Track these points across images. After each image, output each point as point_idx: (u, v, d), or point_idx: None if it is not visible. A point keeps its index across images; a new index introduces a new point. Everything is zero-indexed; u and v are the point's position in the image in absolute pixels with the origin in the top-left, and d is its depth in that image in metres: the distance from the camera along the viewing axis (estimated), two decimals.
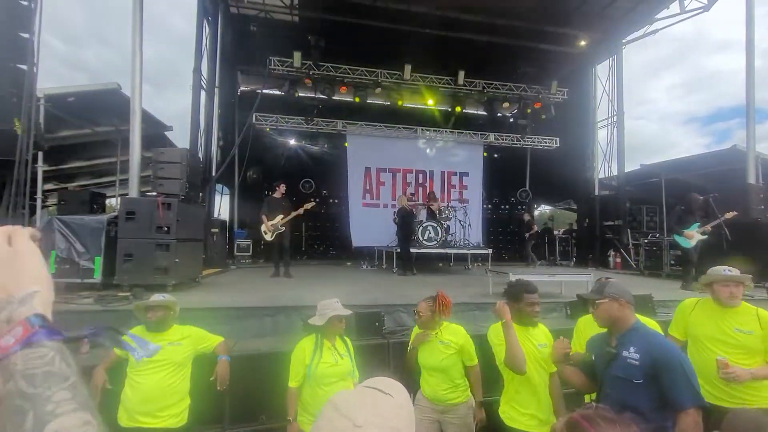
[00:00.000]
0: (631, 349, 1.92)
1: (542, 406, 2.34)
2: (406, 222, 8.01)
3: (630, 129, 11.02)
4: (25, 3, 4.11)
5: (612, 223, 10.43)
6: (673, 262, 7.95)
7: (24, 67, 4.15)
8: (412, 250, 7.98)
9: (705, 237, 5.94)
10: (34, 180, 5.31)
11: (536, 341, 2.42)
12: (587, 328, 2.52)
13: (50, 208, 10.42)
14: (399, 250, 8.24)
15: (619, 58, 10.59)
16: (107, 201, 10.69)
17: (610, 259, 10.14)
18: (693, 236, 5.90)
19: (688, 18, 9.26)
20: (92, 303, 4.05)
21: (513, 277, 4.78)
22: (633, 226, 10.26)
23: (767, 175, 8.66)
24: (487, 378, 2.72)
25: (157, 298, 2.62)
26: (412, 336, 2.86)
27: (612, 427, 0.83)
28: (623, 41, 10.53)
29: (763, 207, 6.86)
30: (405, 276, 7.52)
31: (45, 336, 0.48)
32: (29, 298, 0.52)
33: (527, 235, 10.89)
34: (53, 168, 9.48)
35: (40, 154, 5.30)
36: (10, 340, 0.47)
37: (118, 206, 5.41)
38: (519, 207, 14.15)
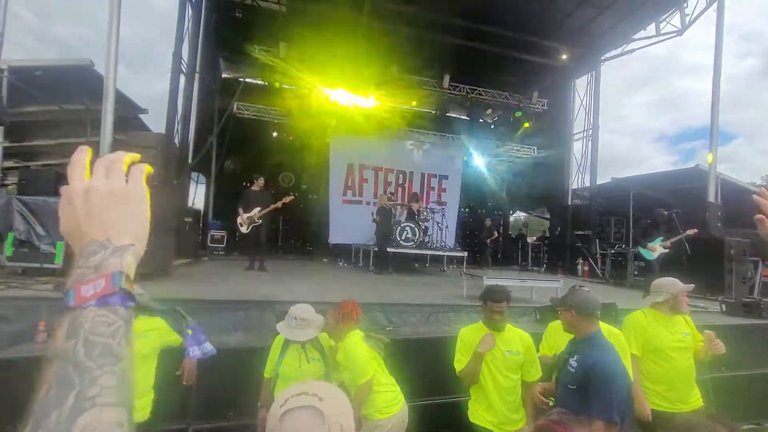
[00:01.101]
0: (575, 357, 2.04)
1: (504, 408, 2.36)
2: (385, 221, 8.03)
3: (604, 142, 11.48)
4: None
5: (582, 232, 10.82)
6: (636, 272, 8.34)
7: None
8: (389, 249, 8.01)
9: (667, 250, 6.27)
10: None
11: (505, 347, 2.40)
12: (556, 333, 2.63)
13: (9, 187, 9.80)
14: (376, 249, 8.25)
15: (597, 74, 10.99)
16: None
17: (579, 267, 10.53)
18: (656, 249, 6.22)
19: (663, 41, 9.72)
20: (51, 290, 3.84)
21: (487, 281, 4.89)
22: (601, 237, 10.69)
23: (726, 195, 9.21)
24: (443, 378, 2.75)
25: None
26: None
27: (580, 427, 0.86)
28: (602, 58, 10.94)
29: (720, 225, 7.30)
30: (381, 275, 7.54)
31: (121, 300, 0.45)
32: (123, 250, 0.49)
33: (488, 240, 11.16)
34: (15, 144, 8.92)
35: (1, 129, 4.97)
36: (89, 290, 0.45)
37: None
38: (495, 212, 14.47)
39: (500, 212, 14.43)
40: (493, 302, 2.40)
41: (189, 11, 8.49)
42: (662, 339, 2.56)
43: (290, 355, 2.51)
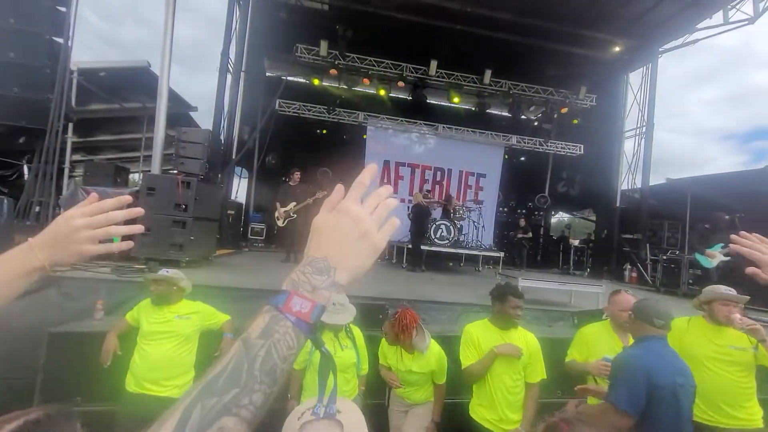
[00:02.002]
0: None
1: (505, 407, 2.39)
2: (419, 218, 7.98)
3: (661, 141, 10.69)
4: None
5: (631, 236, 10.16)
6: (691, 281, 7.70)
7: (60, 40, 4.28)
8: (423, 247, 7.97)
9: (728, 258, 5.73)
10: (63, 150, 5.51)
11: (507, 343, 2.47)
12: (592, 339, 2.52)
13: (77, 178, 10.80)
14: (410, 246, 8.23)
15: (654, 67, 10.23)
16: (131, 175, 11.01)
17: (626, 272, 9.90)
18: (715, 256, 5.70)
19: (732, 30, 8.86)
20: (109, 272, 4.20)
21: (522, 282, 4.74)
22: (653, 241, 9.97)
23: None
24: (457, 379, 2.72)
25: (161, 272, 2.70)
26: (381, 351, 2.83)
27: (587, 428, 0.84)
28: (660, 49, 10.16)
29: None
30: (414, 272, 7.51)
31: (306, 331, 0.49)
32: (336, 288, 0.53)
33: (518, 237, 10.74)
34: (82, 140, 9.80)
35: (70, 125, 5.48)
36: (296, 306, 0.49)
37: (141, 181, 5.56)
38: (536, 213, 13.93)
39: (541, 213, 13.87)
40: (515, 297, 2.46)
41: (237, 12, 8.90)
42: (698, 348, 2.42)
43: (326, 344, 2.59)
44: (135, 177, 11.23)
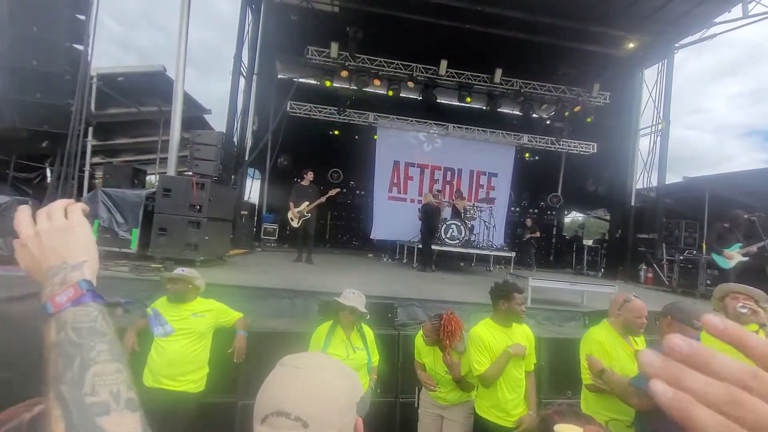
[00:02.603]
0: None
1: (511, 400, 2.48)
2: (430, 218, 7.99)
3: (679, 138, 10.53)
4: None
5: (646, 236, 9.96)
6: (709, 282, 7.52)
7: (80, 47, 4.44)
8: (433, 247, 7.97)
9: (746, 259, 5.59)
10: (83, 153, 5.70)
11: (516, 341, 2.53)
12: (611, 348, 2.39)
13: (97, 180, 11.12)
14: (420, 246, 8.25)
15: (670, 63, 10.01)
16: (148, 177, 11.28)
17: (641, 273, 9.71)
18: (733, 257, 5.57)
19: (751, 23, 8.61)
20: (127, 271, 4.33)
21: (533, 282, 4.71)
22: (669, 241, 9.75)
23: None
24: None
25: (177, 271, 2.78)
26: (416, 348, 2.88)
27: (575, 417, 0.86)
28: (676, 45, 9.94)
29: None
30: (424, 272, 7.53)
31: (90, 298, 0.56)
32: (80, 265, 0.60)
33: (527, 237, 10.64)
34: (101, 143, 10.09)
35: (90, 129, 5.67)
36: (63, 298, 0.56)
37: (157, 183, 5.72)
38: (549, 212, 13.78)
39: (553, 212, 13.71)
40: (519, 294, 2.56)
41: (249, 16, 9.05)
42: (717, 347, 2.36)
43: (336, 345, 2.63)
44: (152, 179, 11.51)
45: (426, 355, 2.78)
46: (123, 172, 6.46)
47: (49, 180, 5.41)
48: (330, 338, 2.65)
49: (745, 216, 5.67)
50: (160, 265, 4.67)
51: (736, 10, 8.65)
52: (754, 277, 5.78)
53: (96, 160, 11.25)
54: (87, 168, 6.01)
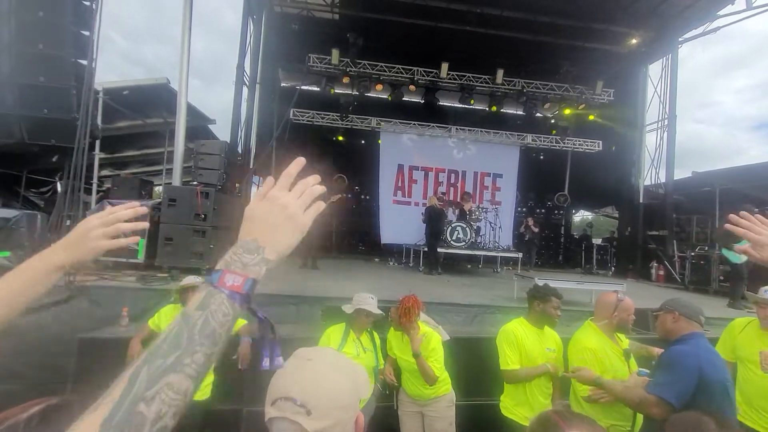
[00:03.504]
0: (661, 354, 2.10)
1: (540, 403, 2.46)
2: (434, 221, 7.97)
3: (688, 133, 10.43)
4: (87, 3, 4.51)
5: (656, 233, 9.82)
6: (722, 278, 7.37)
7: (84, 62, 4.54)
8: (439, 249, 7.94)
9: None
10: (91, 166, 5.81)
11: (545, 345, 2.53)
12: (602, 352, 2.32)
13: (106, 191, 11.29)
14: (426, 249, 8.22)
15: (674, 58, 9.91)
16: (155, 188, 11.44)
17: (653, 270, 9.56)
18: (745, 251, 5.45)
19: (755, 15, 8.50)
20: (134, 281, 4.39)
21: (539, 282, 4.66)
22: (681, 238, 9.61)
23: None
24: (483, 380, 2.69)
25: (189, 279, 2.81)
26: (387, 342, 2.86)
27: (580, 422, 0.84)
28: (680, 39, 9.83)
29: None
30: (430, 275, 7.49)
31: (241, 301, 0.55)
32: (266, 264, 0.60)
33: (527, 236, 10.52)
34: (109, 156, 10.27)
35: (97, 143, 5.77)
36: (229, 281, 0.56)
37: (162, 193, 5.80)
38: (556, 212, 13.65)
39: (561, 212, 13.58)
40: (557, 298, 2.56)
41: (251, 26, 9.18)
42: (746, 349, 2.35)
43: (350, 346, 2.69)
44: (159, 189, 11.67)
45: (395, 345, 2.79)
46: (130, 184, 6.56)
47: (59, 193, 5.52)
48: (344, 342, 2.70)
49: (756, 209, 5.55)
50: (166, 275, 4.72)
51: (740, 2, 8.55)
52: (765, 271, 5.65)
53: (105, 172, 11.46)
54: (94, 180, 6.11)
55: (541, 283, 4.61)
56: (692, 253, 8.46)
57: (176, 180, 6.14)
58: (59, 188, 5.58)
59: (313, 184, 0.69)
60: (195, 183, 5.69)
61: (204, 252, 5.15)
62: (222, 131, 10.28)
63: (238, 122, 8.76)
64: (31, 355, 2.83)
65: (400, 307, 2.66)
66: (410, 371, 2.70)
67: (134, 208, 0.88)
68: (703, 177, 10.08)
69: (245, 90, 9.06)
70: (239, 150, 8.60)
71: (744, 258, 5.46)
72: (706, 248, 8.57)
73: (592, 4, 8.81)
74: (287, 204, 0.64)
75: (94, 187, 6.34)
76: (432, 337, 2.66)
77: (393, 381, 2.75)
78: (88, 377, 3.01)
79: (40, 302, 3.80)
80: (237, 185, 7.30)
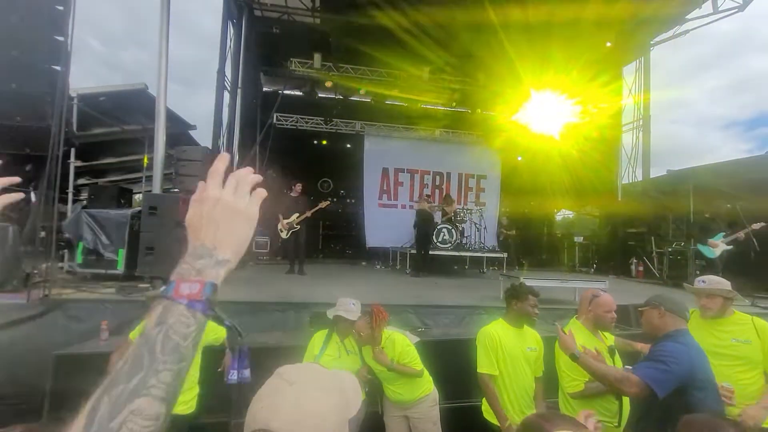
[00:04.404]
0: (649, 350, 2.06)
1: (521, 403, 2.45)
2: (425, 224, 8.02)
3: (663, 133, 10.66)
4: (61, 8, 4.38)
5: (635, 230, 10.10)
6: (698, 272, 7.61)
7: (59, 68, 4.41)
8: (423, 251, 7.98)
9: (730, 247, 5.69)
10: (66, 175, 5.63)
11: (526, 344, 2.53)
12: (576, 337, 2.34)
13: (82, 201, 10.96)
14: (414, 251, 8.25)
15: (647, 60, 10.25)
16: (135, 196, 11.16)
17: (633, 267, 9.82)
18: (718, 246, 5.67)
19: (722, 18, 8.87)
20: (114, 293, 4.26)
21: (521, 281, 4.73)
22: (658, 234, 9.89)
23: None
24: (471, 382, 2.69)
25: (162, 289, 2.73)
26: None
27: (563, 422, 0.84)
28: (651, 42, 10.18)
29: None
30: (417, 277, 7.52)
31: (203, 308, 0.52)
32: (223, 264, 0.57)
33: (502, 236, 10.73)
34: (86, 164, 9.97)
35: (72, 151, 5.60)
36: (185, 290, 0.52)
37: (142, 201, 5.66)
38: (539, 211, 13.90)
39: (543, 211, 13.83)
40: (533, 296, 2.55)
41: (231, 31, 9.07)
42: (701, 341, 2.31)
43: (331, 348, 2.69)
44: (139, 197, 11.38)
45: (367, 357, 2.74)
46: (109, 192, 6.37)
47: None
48: (326, 346, 2.70)
49: (728, 206, 5.78)
50: (148, 285, 4.60)
51: (707, 6, 8.91)
52: (740, 264, 5.89)
53: (82, 181, 11.11)
54: (70, 190, 5.92)
55: (525, 282, 4.69)
56: (669, 249, 8.73)
57: (156, 188, 6.00)
58: (33, 198, 5.39)
59: (247, 174, 0.65)
60: (176, 190, 5.58)
61: None
62: (203, 137, 10.12)
63: (220, 128, 8.63)
64: (2, 374, 2.71)
65: (372, 319, 2.64)
66: (386, 379, 2.70)
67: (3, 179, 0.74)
68: (678, 175, 10.40)
69: (227, 95, 8.94)
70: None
71: (717, 252, 5.68)
72: (683, 244, 8.86)
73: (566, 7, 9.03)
74: (224, 199, 0.60)
75: (70, 197, 6.15)
76: (396, 339, 2.66)
77: (368, 377, 2.71)
78: (66, 396, 2.90)
79: (12, 318, 3.66)
80: None
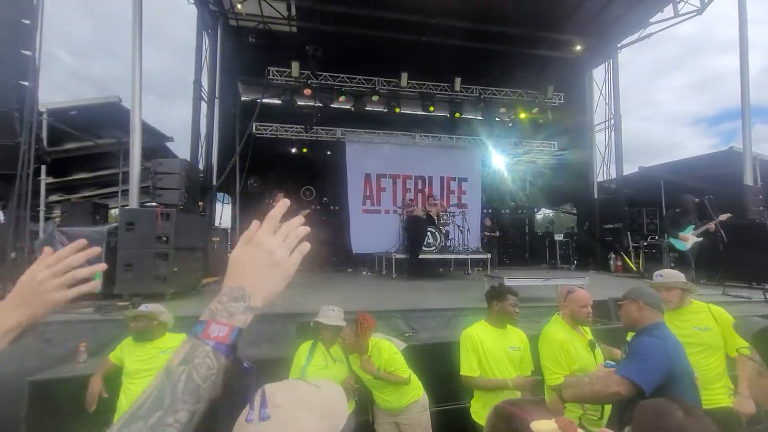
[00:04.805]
0: (628, 344, 2.08)
1: None
2: (419, 228, 8.10)
3: (634, 131, 11.14)
4: (27, 22, 4.26)
5: (612, 226, 10.42)
6: (672, 264, 7.91)
7: (27, 83, 4.28)
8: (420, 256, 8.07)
9: (701, 239, 5.94)
10: (37, 192, 5.43)
11: (509, 344, 2.55)
12: (568, 344, 2.43)
13: (55, 219, 10.58)
14: (403, 256, 8.33)
15: (615, 62, 10.65)
16: (111, 211, 10.85)
17: (611, 262, 10.12)
18: (688, 239, 5.91)
19: (682, 21, 9.32)
20: (92, 312, 4.13)
21: (507, 282, 4.82)
22: (633, 229, 10.24)
23: (766, 176, 8.64)
24: (457, 384, 2.72)
25: (141, 308, 2.68)
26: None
27: (536, 408, 0.86)
28: (618, 45, 10.60)
29: (761, 208, 6.85)
30: (408, 281, 7.57)
31: (226, 352, 0.54)
32: (252, 312, 0.59)
33: (486, 237, 10.93)
34: (58, 180, 9.65)
35: (43, 168, 5.42)
36: (215, 331, 0.54)
37: (119, 217, 5.51)
38: (520, 211, 14.19)
39: (524, 210, 14.13)
40: (513, 295, 2.60)
41: (206, 41, 8.98)
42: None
43: (317, 358, 2.68)
44: (115, 212, 11.06)
45: (355, 366, 2.76)
46: (83, 209, 6.22)
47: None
48: (312, 355, 2.68)
49: (696, 200, 6.05)
50: (127, 303, 4.47)
51: (668, 10, 9.35)
52: (710, 255, 6.16)
53: (54, 198, 10.74)
54: (41, 208, 5.72)
55: (507, 282, 4.78)
56: (645, 243, 9.05)
57: (133, 202, 5.87)
58: (2, 218, 5.18)
59: (297, 226, 0.68)
60: (154, 204, 5.46)
61: (167, 276, 4.94)
62: (181, 148, 9.93)
63: (198, 139, 8.50)
64: None
65: (358, 326, 2.66)
66: (374, 387, 2.72)
67: (84, 251, 0.80)
68: (649, 171, 10.83)
69: (204, 105, 8.82)
70: (200, 167, 8.34)
71: (688, 245, 5.92)
72: (657, 238, 9.19)
73: (538, 13, 9.34)
74: (273, 249, 0.63)
75: (42, 215, 5.94)
76: (382, 347, 2.67)
77: (355, 386, 2.72)
78: (43, 423, 2.79)
79: None
80: (200, 204, 7.06)
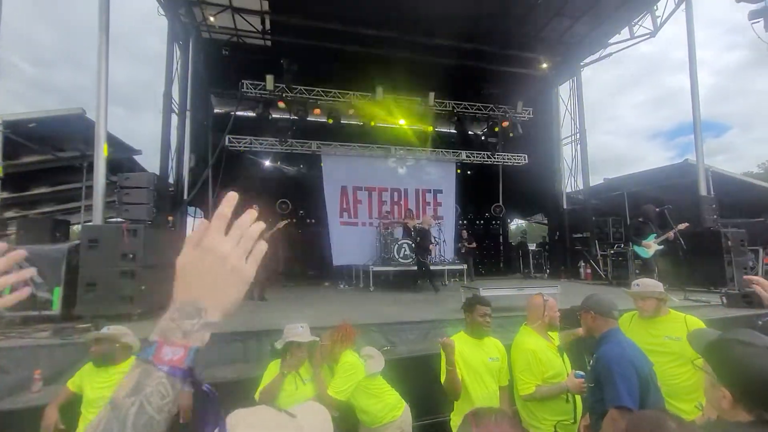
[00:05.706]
0: (593, 357, 2.14)
1: None
2: (422, 240, 8.25)
3: (600, 144, 11.71)
4: None
5: (581, 235, 10.81)
6: (638, 271, 8.27)
7: None
8: (387, 268, 8.06)
9: (662, 247, 6.26)
10: None
11: (488, 355, 2.56)
12: (540, 353, 2.49)
13: (11, 236, 9.92)
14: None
15: (578, 80, 11.23)
16: (74, 228, 10.28)
17: (581, 270, 10.47)
18: (651, 246, 6.22)
19: (638, 43, 9.98)
20: (49, 336, 3.87)
21: (482, 292, 4.88)
22: (600, 238, 10.67)
23: (719, 187, 9.25)
24: (438, 397, 2.71)
25: (103, 330, 2.54)
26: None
27: (488, 417, 0.88)
28: (581, 64, 11.20)
29: (715, 217, 7.31)
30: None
31: (182, 377, 0.47)
32: (210, 328, 0.51)
33: (463, 249, 11.15)
34: (14, 195, 9.09)
35: None
36: (168, 354, 0.47)
37: (80, 234, 5.23)
38: (494, 222, 14.51)
39: (498, 222, 14.45)
40: (483, 305, 2.61)
41: (177, 52, 8.81)
42: (636, 338, 2.40)
43: (287, 383, 2.56)
44: (78, 228, 10.50)
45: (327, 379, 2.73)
46: (41, 225, 5.88)
47: None
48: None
49: (656, 209, 6.39)
50: (89, 325, 4.22)
51: (625, 32, 10.01)
52: (671, 261, 6.49)
53: (9, 214, 10.08)
54: None
55: (482, 292, 4.85)
56: (612, 251, 9.43)
57: (97, 218, 5.59)
58: None
59: (250, 224, 0.59)
60: (120, 220, 5.24)
61: (134, 295, 4.71)
62: (151, 162, 9.61)
63: (168, 152, 8.25)
64: None
65: (335, 333, 2.65)
66: (353, 402, 2.67)
67: (8, 255, 0.69)
68: (613, 182, 11.38)
69: (174, 117, 8.60)
70: (171, 181, 8.08)
71: (651, 252, 6.22)
72: (623, 246, 9.60)
73: (507, 32, 9.77)
74: (226, 254, 0.55)
75: None
76: (350, 366, 2.62)
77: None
78: None
79: None
80: (170, 219, 6.82)
